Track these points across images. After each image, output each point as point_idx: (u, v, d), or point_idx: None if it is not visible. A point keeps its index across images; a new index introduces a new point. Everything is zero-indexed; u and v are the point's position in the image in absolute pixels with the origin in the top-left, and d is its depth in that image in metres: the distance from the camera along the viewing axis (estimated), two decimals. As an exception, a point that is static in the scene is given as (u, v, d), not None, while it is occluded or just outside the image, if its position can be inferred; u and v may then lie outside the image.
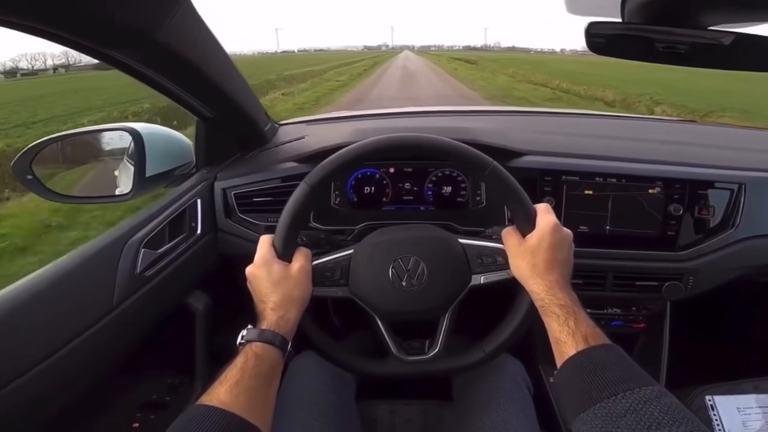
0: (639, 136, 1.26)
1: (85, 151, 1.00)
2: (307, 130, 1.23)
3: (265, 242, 0.72)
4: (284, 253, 0.71)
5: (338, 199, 1.03)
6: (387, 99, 13.63)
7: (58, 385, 0.64)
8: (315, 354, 0.84)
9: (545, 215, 0.69)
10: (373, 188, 1.04)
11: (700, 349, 1.25)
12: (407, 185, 1.04)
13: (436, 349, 0.77)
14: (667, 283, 0.99)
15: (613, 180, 0.97)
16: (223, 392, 0.55)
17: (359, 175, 1.04)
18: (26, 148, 0.82)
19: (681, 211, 0.96)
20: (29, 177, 0.81)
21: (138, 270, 0.78)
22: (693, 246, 0.98)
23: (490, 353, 0.77)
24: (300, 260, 0.71)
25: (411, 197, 1.05)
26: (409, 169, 1.04)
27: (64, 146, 0.90)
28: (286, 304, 0.67)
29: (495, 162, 0.71)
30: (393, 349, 0.78)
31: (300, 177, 0.75)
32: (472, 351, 0.78)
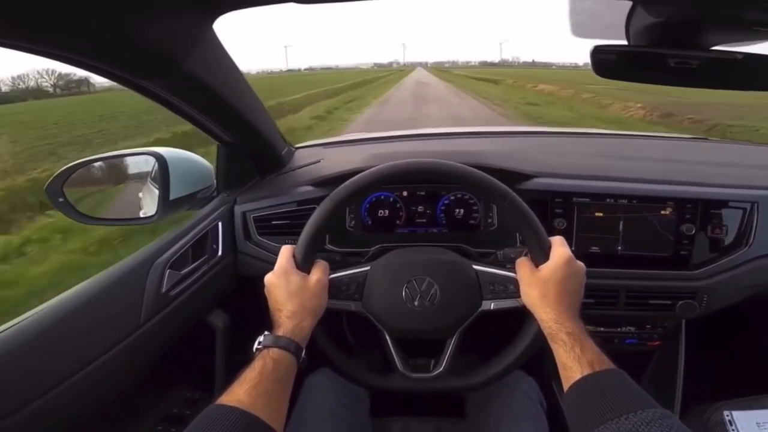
0: (650, 155, 1.27)
1: (112, 174, 1.05)
2: (322, 154, 1.27)
3: (285, 252, 0.75)
4: (304, 265, 0.74)
5: (353, 222, 1.06)
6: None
7: (88, 398, 0.67)
8: (329, 371, 0.88)
9: (560, 248, 0.72)
10: (386, 211, 1.07)
11: (717, 365, 1.24)
12: (420, 208, 1.06)
13: (441, 368, 0.80)
14: (680, 302, 0.99)
15: (624, 201, 0.98)
16: (242, 393, 0.58)
17: (373, 199, 1.06)
18: (58, 172, 0.85)
19: (694, 231, 0.97)
20: (61, 200, 0.85)
21: (164, 289, 0.81)
22: (706, 265, 0.98)
23: (492, 376, 0.80)
24: (318, 273, 0.74)
25: (424, 220, 1.07)
26: (422, 193, 1.06)
27: (93, 170, 0.94)
28: (301, 313, 0.70)
29: (514, 194, 0.74)
30: (399, 365, 0.81)
31: (316, 201, 0.79)
32: (475, 372, 0.81)
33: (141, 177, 1.04)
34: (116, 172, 1.05)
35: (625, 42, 0.70)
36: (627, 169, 1.07)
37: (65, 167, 0.87)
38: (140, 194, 1.04)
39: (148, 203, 0.99)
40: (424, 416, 0.96)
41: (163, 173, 0.93)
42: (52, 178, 0.85)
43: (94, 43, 0.56)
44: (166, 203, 0.93)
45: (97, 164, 0.94)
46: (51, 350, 0.63)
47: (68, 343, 0.65)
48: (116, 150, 0.99)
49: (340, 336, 1.07)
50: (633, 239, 0.98)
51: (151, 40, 0.59)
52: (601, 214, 0.99)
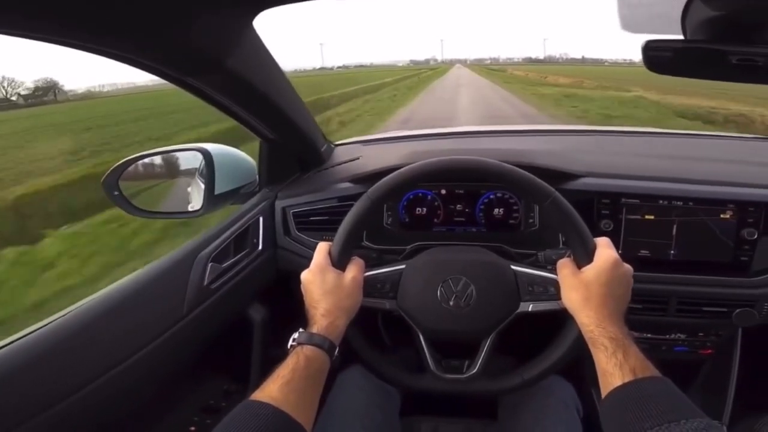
0: (707, 155, 1.19)
1: (163, 169, 1.10)
2: (361, 151, 1.28)
3: (322, 249, 0.76)
4: (339, 262, 0.75)
5: (390, 219, 1.06)
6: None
7: (131, 388, 0.70)
8: (362, 368, 0.88)
9: (606, 249, 0.69)
10: (424, 209, 1.06)
11: None
12: (459, 207, 1.05)
13: (474, 370, 0.79)
14: (738, 310, 0.93)
15: (679, 203, 0.92)
16: (275, 389, 0.59)
17: (411, 196, 1.06)
18: (113, 167, 0.91)
19: (756, 236, 0.90)
20: (116, 193, 0.90)
21: (206, 282, 0.84)
22: None
23: (527, 380, 0.78)
24: (353, 270, 0.75)
25: (462, 219, 1.05)
26: (461, 191, 1.05)
27: (145, 165, 0.99)
28: (336, 311, 0.71)
29: (556, 192, 0.71)
30: (431, 365, 0.80)
31: (355, 197, 0.79)
32: (510, 375, 0.79)
33: (191, 172, 1.09)
34: (168, 167, 1.10)
35: (679, 36, 0.66)
36: (682, 170, 1.02)
37: (120, 162, 0.92)
38: (189, 189, 1.09)
39: (196, 197, 1.04)
40: (455, 417, 0.95)
41: (209, 168, 0.97)
42: (108, 172, 0.90)
43: (143, 42, 0.59)
44: (211, 197, 0.97)
45: (148, 159, 0.98)
46: (98, 341, 0.66)
47: (115, 334, 0.68)
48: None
49: (373, 333, 1.08)
50: (688, 243, 0.93)
51: (194, 38, 0.61)
52: (652, 217, 0.94)
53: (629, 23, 0.74)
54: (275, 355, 0.68)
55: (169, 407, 0.91)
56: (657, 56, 0.67)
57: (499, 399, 0.94)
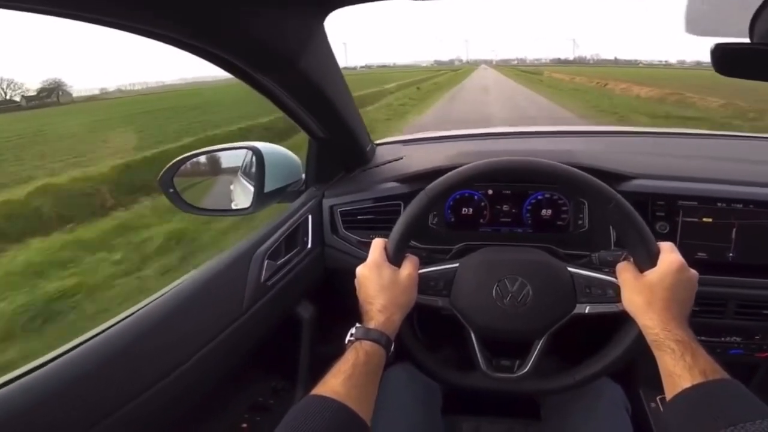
0: (760, 158, 1.17)
1: (207, 167, 1.11)
2: (403, 151, 1.28)
3: (378, 245, 0.76)
4: (395, 258, 0.75)
5: (435, 219, 1.06)
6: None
7: (193, 385, 0.70)
8: (406, 365, 0.88)
9: (670, 254, 0.68)
10: (471, 209, 1.05)
11: None
12: (505, 207, 1.04)
13: (525, 370, 0.79)
14: None
15: (739, 206, 0.91)
16: (337, 384, 0.59)
17: (457, 196, 1.05)
18: (169, 165, 0.91)
19: None
20: (171, 190, 0.91)
21: (263, 279, 0.84)
22: None
23: (579, 381, 0.78)
24: (409, 267, 0.75)
25: (509, 219, 1.05)
26: (508, 191, 1.04)
27: (198, 163, 1.00)
28: (392, 307, 0.71)
29: (619, 195, 0.71)
30: (482, 364, 0.80)
31: (401, 197, 0.79)
32: (562, 375, 0.79)
33: (233, 170, 1.10)
34: (212, 165, 1.11)
35: (745, 39, 0.66)
36: (739, 172, 1.00)
37: (174, 161, 0.92)
38: (231, 186, 1.10)
39: (240, 195, 1.05)
40: (497, 417, 0.95)
41: (259, 166, 0.97)
42: (163, 171, 0.91)
43: (220, 38, 0.59)
44: (260, 195, 0.97)
45: (201, 158, 0.99)
46: (162, 342, 0.66)
47: (178, 334, 0.68)
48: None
49: (422, 331, 1.08)
50: (747, 246, 0.92)
51: (270, 36, 0.62)
52: (710, 219, 0.93)
53: (693, 25, 0.75)
54: (322, 352, 0.68)
55: (220, 405, 0.92)
56: (727, 58, 0.67)
57: (542, 400, 0.94)
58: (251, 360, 0.89)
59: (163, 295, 0.72)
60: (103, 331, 0.62)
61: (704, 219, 0.93)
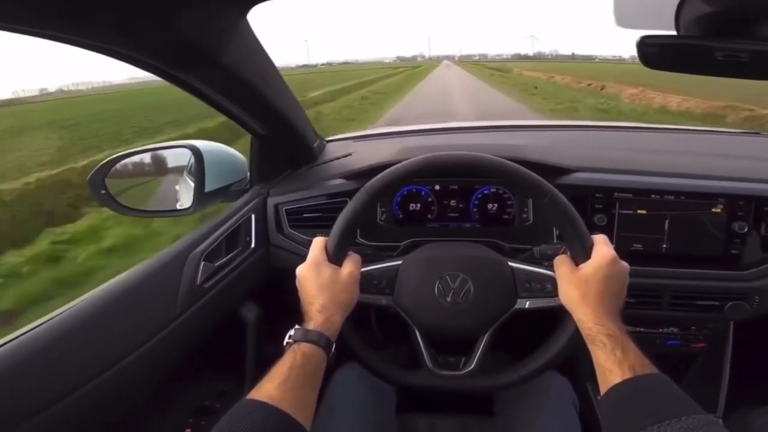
0: (698, 150, 1.21)
1: (150, 167, 1.07)
2: (353, 147, 1.27)
3: (318, 244, 0.75)
4: (336, 257, 0.74)
5: (384, 216, 1.05)
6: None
7: (124, 390, 0.68)
8: (357, 366, 0.87)
9: (603, 247, 0.69)
10: (418, 205, 1.05)
11: (764, 369, 1.17)
12: (452, 202, 1.05)
13: (471, 367, 0.78)
14: (730, 303, 0.94)
15: (671, 197, 0.93)
16: (272, 388, 0.58)
17: (405, 192, 1.05)
18: (100, 165, 0.88)
19: (746, 229, 0.92)
20: (103, 192, 0.87)
21: (198, 281, 0.82)
22: (759, 265, 0.93)
23: (524, 376, 0.78)
24: (350, 266, 0.74)
25: (456, 214, 1.05)
26: (455, 187, 1.04)
27: (133, 163, 0.96)
28: (332, 307, 0.70)
29: (555, 189, 0.71)
30: (428, 362, 0.80)
31: (348, 194, 0.78)
32: (506, 372, 0.79)
33: (179, 170, 1.06)
34: (155, 165, 1.08)
35: (672, 32, 0.67)
36: (673, 164, 1.03)
37: (106, 160, 0.89)
38: (177, 187, 1.07)
39: (185, 195, 1.02)
40: (451, 413, 0.95)
41: (198, 165, 0.95)
42: (94, 170, 0.87)
43: (135, 37, 0.57)
44: (201, 195, 0.95)
45: (137, 157, 0.96)
46: (89, 342, 0.64)
47: (107, 335, 0.67)
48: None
49: (366, 331, 1.07)
50: (680, 237, 0.94)
51: (187, 32, 0.60)
52: (644, 211, 0.95)
53: (624, 18, 0.75)
54: (270, 354, 0.67)
55: (163, 409, 0.90)
56: (651, 51, 0.67)
57: (495, 395, 0.95)
58: (194, 363, 0.87)
59: (89, 297, 0.70)
60: (23, 334, 0.60)
61: (639, 211, 0.95)
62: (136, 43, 0.58)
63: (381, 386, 0.90)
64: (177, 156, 1.05)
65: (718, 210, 0.92)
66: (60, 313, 0.65)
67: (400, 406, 0.94)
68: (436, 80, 29.68)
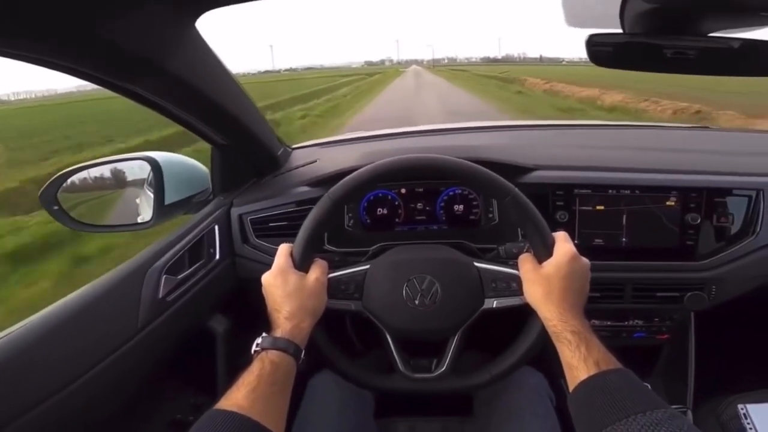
0: (652, 145, 1.25)
1: (110, 180, 1.04)
2: (319, 154, 1.26)
3: (283, 251, 0.74)
4: (301, 264, 0.73)
5: (351, 221, 1.05)
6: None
7: (88, 407, 0.67)
8: (333, 373, 0.86)
9: (564, 244, 0.70)
10: (385, 209, 1.05)
11: (729, 358, 1.22)
12: (419, 205, 1.05)
13: (442, 369, 0.79)
14: (689, 294, 0.97)
15: (627, 192, 0.96)
16: (240, 397, 0.57)
17: (372, 197, 1.05)
18: (51, 179, 0.85)
19: (699, 220, 0.95)
20: (55, 207, 0.84)
21: (160, 295, 0.80)
22: (713, 255, 0.96)
23: (495, 375, 0.78)
24: (316, 272, 0.73)
25: (423, 217, 1.06)
26: (421, 189, 1.05)
27: (88, 177, 0.93)
28: (299, 313, 0.69)
29: (516, 189, 0.72)
30: (400, 365, 0.80)
31: (314, 201, 0.78)
32: (478, 372, 0.79)
33: (138, 183, 1.04)
34: (113, 178, 1.05)
35: (620, 30, 0.69)
36: (628, 160, 1.06)
37: (58, 174, 0.86)
38: (137, 200, 1.04)
39: (145, 209, 0.99)
40: (431, 416, 0.95)
41: (157, 178, 0.93)
42: (45, 185, 0.85)
43: (72, 46, 0.55)
44: (161, 208, 0.93)
45: (93, 170, 0.93)
46: (46, 360, 0.62)
47: (63, 352, 0.64)
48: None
49: (342, 336, 1.06)
50: (637, 230, 0.97)
51: (128, 40, 0.58)
52: (603, 207, 0.97)
53: (573, 19, 0.77)
54: (242, 365, 0.66)
55: (135, 425, 0.88)
56: (599, 51, 0.69)
57: (473, 394, 0.95)
58: (165, 377, 0.85)
59: (45, 313, 0.67)
60: None
61: (598, 207, 0.97)
62: (71, 53, 0.56)
63: (358, 392, 0.89)
64: (136, 168, 1.02)
65: (672, 203, 0.95)
66: (11, 332, 0.62)
67: (379, 410, 0.94)
68: (397, 90, 21.12)
